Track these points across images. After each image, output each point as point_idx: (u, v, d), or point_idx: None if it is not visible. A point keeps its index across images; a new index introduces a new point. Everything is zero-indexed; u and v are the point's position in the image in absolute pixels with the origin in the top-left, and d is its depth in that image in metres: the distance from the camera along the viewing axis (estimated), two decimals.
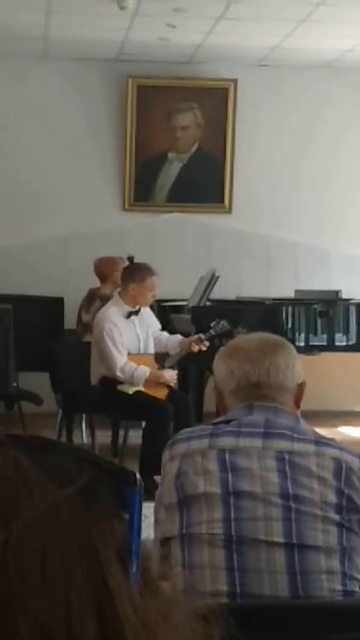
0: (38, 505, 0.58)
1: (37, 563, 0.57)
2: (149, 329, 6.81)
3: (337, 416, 8.80)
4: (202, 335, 6.77)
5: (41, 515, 0.58)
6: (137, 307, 6.72)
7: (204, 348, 6.70)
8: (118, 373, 6.53)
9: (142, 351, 6.70)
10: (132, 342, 6.65)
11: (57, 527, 0.58)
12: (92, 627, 0.57)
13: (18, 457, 0.60)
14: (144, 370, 6.55)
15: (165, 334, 6.96)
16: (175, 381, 6.77)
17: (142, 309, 6.78)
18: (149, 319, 6.87)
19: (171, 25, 8.25)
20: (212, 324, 6.86)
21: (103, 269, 7.82)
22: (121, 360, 6.54)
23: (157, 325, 6.96)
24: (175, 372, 6.82)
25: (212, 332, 6.83)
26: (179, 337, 6.90)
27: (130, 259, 6.98)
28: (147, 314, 6.87)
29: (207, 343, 6.69)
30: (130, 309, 6.68)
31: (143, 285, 6.65)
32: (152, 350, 6.78)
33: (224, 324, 6.86)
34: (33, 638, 0.56)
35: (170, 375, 6.71)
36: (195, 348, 6.72)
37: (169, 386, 6.74)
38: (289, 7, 7.68)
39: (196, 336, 6.76)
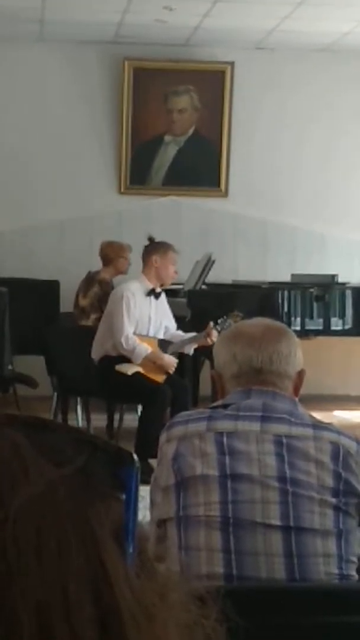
0: (34, 485, 0.58)
1: (34, 543, 0.57)
2: (164, 320, 6.82)
3: (332, 400, 8.81)
4: (214, 325, 6.73)
5: (38, 495, 0.57)
6: (159, 288, 6.73)
7: (213, 339, 6.62)
8: (122, 340, 6.52)
9: (150, 335, 6.71)
10: (142, 320, 6.67)
11: (53, 507, 0.58)
12: (89, 607, 0.57)
13: (14, 436, 0.60)
14: (146, 347, 6.57)
15: (181, 332, 6.96)
16: (173, 369, 6.75)
17: (161, 300, 6.79)
18: (166, 310, 6.88)
19: (168, 8, 8.22)
20: (219, 321, 6.86)
21: (109, 252, 7.82)
22: (129, 330, 6.55)
23: (173, 324, 6.94)
24: (176, 360, 6.80)
25: (219, 328, 6.80)
26: (192, 334, 6.90)
27: (151, 239, 7.01)
28: (165, 306, 6.88)
29: (216, 333, 6.65)
30: (152, 286, 6.70)
31: (166, 257, 6.71)
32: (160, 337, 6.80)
33: (230, 322, 6.84)
34: (31, 619, 0.56)
35: (170, 361, 6.70)
36: (210, 341, 6.64)
37: (167, 372, 6.73)
38: None
39: (209, 328, 6.73)
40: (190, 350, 6.95)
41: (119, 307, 6.58)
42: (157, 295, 6.73)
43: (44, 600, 0.56)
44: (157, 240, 6.95)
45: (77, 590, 0.57)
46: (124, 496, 0.60)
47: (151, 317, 6.72)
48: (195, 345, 6.86)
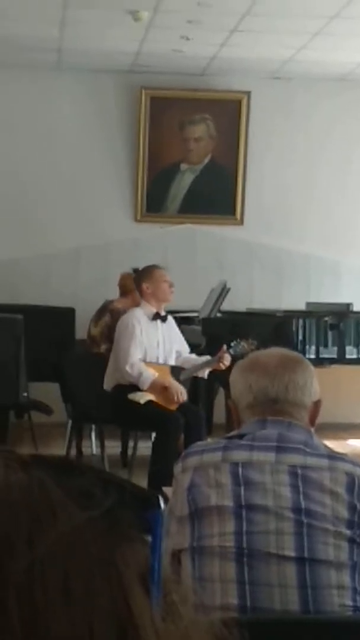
0: (62, 527, 0.58)
1: (61, 585, 0.57)
2: (174, 344, 6.78)
3: (346, 429, 8.78)
4: (224, 347, 6.69)
5: (65, 537, 0.58)
6: (162, 311, 6.72)
7: (226, 364, 6.59)
8: (127, 368, 6.48)
9: (160, 362, 6.68)
10: (151, 346, 6.63)
11: (81, 549, 0.58)
12: None
13: (42, 478, 0.60)
14: (152, 373, 6.52)
15: (194, 355, 6.93)
16: (182, 398, 6.65)
17: (170, 324, 6.77)
18: (175, 336, 6.84)
19: (185, 37, 8.27)
20: (232, 344, 6.83)
21: (128, 283, 7.80)
22: (134, 357, 6.51)
23: (186, 347, 6.91)
24: (182, 388, 6.70)
25: (232, 352, 6.78)
26: (207, 357, 6.87)
27: (136, 269, 7.01)
28: (174, 330, 6.85)
29: (229, 359, 6.62)
30: (155, 309, 6.68)
31: (153, 279, 6.69)
32: (172, 364, 6.76)
33: (243, 345, 6.82)
34: None
35: (177, 387, 6.61)
36: (224, 366, 6.61)
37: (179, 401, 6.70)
38: (302, 20, 7.69)
39: (222, 351, 6.70)
40: (204, 374, 6.92)
41: (124, 335, 6.56)
42: (163, 319, 6.71)
43: None
44: (139, 268, 6.94)
45: (103, 632, 0.57)
46: (150, 538, 0.61)
47: (159, 342, 6.69)
48: (208, 370, 6.83)
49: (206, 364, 6.77)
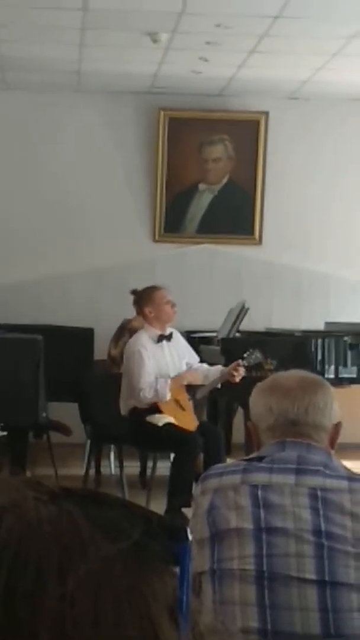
0: (92, 560, 0.58)
1: (91, 617, 0.57)
2: (183, 359, 6.77)
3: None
4: (241, 362, 6.69)
5: (95, 570, 0.58)
6: (167, 331, 6.71)
7: (240, 376, 6.59)
8: (140, 395, 6.48)
9: None
10: (161, 368, 6.62)
11: (110, 582, 0.58)
12: None
13: (72, 511, 0.60)
14: (165, 380, 6.51)
15: (205, 365, 6.92)
16: (199, 381, 6.66)
17: (175, 340, 6.75)
18: (183, 349, 6.83)
19: (203, 59, 8.31)
20: (245, 355, 6.80)
21: None
22: (146, 383, 6.50)
23: (195, 357, 6.91)
24: (199, 373, 6.72)
25: (246, 362, 6.76)
26: (219, 367, 6.86)
27: (134, 291, 6.99)
28: (181, 344, 6.84)
29: (243, 370, 6.62)
30: (159, 332, 6.67)
31: (155, 302, 6.67)
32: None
33: (257, 354, 6.79)
34: None
35: (192, 375, 6.63)
36: (236, 378, 6.61)
37: (199, 418, 6.70)
38: (321, 40, 7.71)
39: (235, 363, 6.70)
40: (217, 385, 6.90)
41: (132, 364, 6.55)
42: (168, 339, 6.71)
43: None
44: (138, 290, 6.92)
45: None
46: (177, 570, 0.61)
47: (168, 363, 6.68)
48: (221, 381, 6.81)
49: (220, 378, 6.75)
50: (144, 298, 6.74)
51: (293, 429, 2.45)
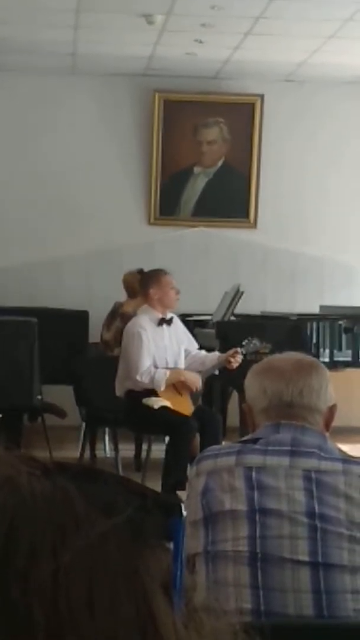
0: (85, 535, 0.58)
1: (85, 593, 0.57)
2: (181, 345, 6.77)
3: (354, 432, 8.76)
4: (239, 349, 6.70)
5: (89, 545, 0.58)
6: (168, 315, 6.71)
7: (237, 363, 6.61)
8: (137, 377, 6.48)
9: (170, 365, 6.66)
10: (159, 352, 6.62)
11: (104, 557, 0.58)
12: None
13: (66, 486, 0.60)
14: (164, 371, 6.52)
15: (203, 352, 6.92)
16: (199, 385, 6.69)
17: (175, 323, 6.76)
18: (182, 335, 6.83)
19: (198, 41, 8.28)
20: (243, 343, 6.82)
21: (136, 285, 7.79)
22: (145, 365, 6.50)
23: (194, 344, 6.91)
24: (199, 376, 6.73)
25: (244, 350, 6.78)
26: (217, 353, 6.86)
27: (140, 271, 7.00)
28: (180, 329, 6.84)
29: (241, 357, 6.63)
30: (160, 315, 6.66)
31: (161, 285, 6.65)
32: (182, 366, 6.74)
33: (256, 342, 6.81)
34: None
35: (193, 377, 6.64)
36: (234, 364, 6.63)
37: (195, 401, 6.70)
38: (316, 23, 7.69)
39: (233, 350, 6.71)
40: (214, 371, 6.91)
41: (132, 346, 6.54)
42: (168, 323, 6.71)
43: None
44: (145, 270, 6.92)
45: (127, 639, 0.57)
46: (171, 546, 0.61)
47: (167, 347, 6.68)
48: (218, 367, 6.83)
49: (217, 364, 6.76)
50: (151, 279, 6.73)
51: (288, 411, 2.45)
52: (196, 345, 6.90)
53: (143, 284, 6.79)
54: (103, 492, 0.61)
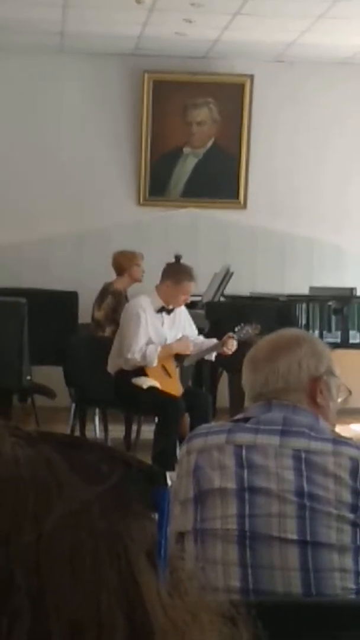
0: (69, 502, 0.58)
1: (68, 560, 0.57)
2: (182, 331, 6.77)
3: (350, 413, 8.77)
4: (232, 334, 6.72)
5: (72, 512, 0.58)
6: (169, 306, 6.70)
7: (232, 349, 6.63)
8: (128, 356, 6.49)
9: None
10: (159, 337, 6.62)
11: (88, 525, 0.58)
12: (121, 625, 0.57)
13: (49, 454, 0.60)
14: (155, 347, 6.53)
15: (201, 337, 6.94)
16: (191, 348, 6.69)
17: (177, 312, 6.76)
18: (183, 322, 6.84)
19: (188, 20, 8.24)
20: (236, 329, 6.85)
21: (122, 261, 7.83)
22: (138, 344, 6.50)
23: (194, 331, 6.92)
24: (190, 342, 6.73)
25: (236, 336, 6.82)
26: (214, 340, 6.87)
27: (178, 257, 6.96)
28: (182, 316, 6.84)
29: (235, 343, 6.65)
30: (162, 304, 6.66)
31: (177, 286, 6.61)
32: None
33: (247, 329, 6.84)
34: (64, 635, 0.56)
35: (181, 345, 6.65)
36: (227, 351, 6.66)
37: (185, 381, 6.73)
38: (306, 3, 7.66)
39: (227, 336, 6.72)
40: (211, 357, 6.93)
41: (129, 325, 6.56)
42: (168, 312, 6.71)
43: (77, 617, 0.56)
44: (181, 260, 6.89)
45: (110, 607, 0.57)
46: (156, 515, 0.61)
47: (163, 333, 6.68)
48: (214, 353, 6.84)
49: (211, 349, 6.79)
50: (174, 274, 6.66)
51: (262, 399, 2.47)
52: (196, 332, 6.92)
53: (167, 272, 6.72)
54: (87, 460, 0.61)
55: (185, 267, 6.80)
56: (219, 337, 6.91)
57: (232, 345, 6.64)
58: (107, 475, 0.60)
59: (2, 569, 0.56)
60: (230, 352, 6.65)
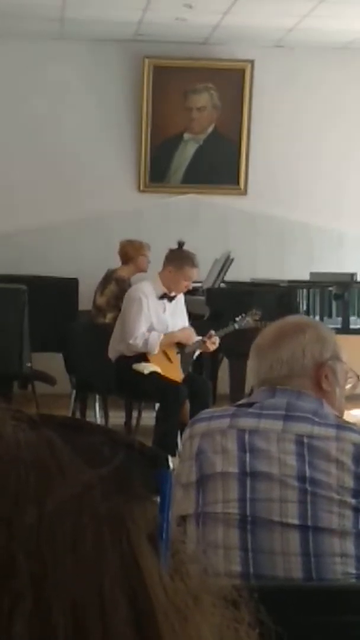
0: (71, 485, 0.58)
1: (69, 543, 0.57)
2: (178, 319, 6.77)
3: (350, 399, 8.78)
4: (212, 332, 6.75)
5: (74, 495, 0.58)
6: (171, 293, 6.70)
7: (214, 346, 6.69)
8: (131, 341, 6.49)
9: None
10: (161, 324, 6.63)
11: (89, 507, 0.58)
12: (123, 607, 0.57)
13: (51, 436, 0.60)
14: (157, 334, 6.54)
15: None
16: (194, 338, 6.71)
17: (178, 299, 6.76)
18: (181, 309, 6.85)
19: (188, 6, 8.22)
20: (237, 319, 6.89)
21: (129, 250, 7.81)
22: (140, 330, 6.51)
23: (185, 320, 6.92)
24: (193, 332, 6.74)
25: (236, 325, 6.86)
26: (199, 338, 6.86)
27: (181, 244, 6.95)
28: (180, 304, 6.85)
29: (217, 339, 6.69)
30: (165, 290, 6.66)
31: (179, 272, 6.60)
32: None
33: (248, 320, 6.87)
34: (66, 618, 0.56)
35: (184, 335, 6.67)
36: (210, 347, 6.71)
37: (187, 368, 6.74)
38: None
39: (208, 334, 6.75)
40: (195, 353, 6.96)
41: (131, 310, 6.56)
42: (170, 299, 6.71)
43: (79, 600, 0.56)
44: (184, 247, 6.88)
45: (112, 590, 0.57)
46: (158, 498, 0.61)
47: (164, 319, 6.69)
48: (197, 351, 6.86)
49: (195, 347, 6.79)
50: (176, 260, 6.65)
51: (266, 385, 2.47)
52: (187, 323, 6.93)
53: (170, 257, 6.71)
54: (89, 442, 0.61)
55: (187, 253, 6.80)
56: (219, 324, 6.92)
57: (214, 340, 6.68)
58: (109, 458, 0.60)
59: (3, 550, 0.56)
60: (212, 349, 6.72)
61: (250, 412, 2.42)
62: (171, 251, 6.82)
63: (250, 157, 9.68)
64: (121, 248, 7.90)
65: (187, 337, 6.69)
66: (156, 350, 6.53)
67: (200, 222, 9.65)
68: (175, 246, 6.92)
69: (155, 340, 6.51)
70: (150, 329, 6.57)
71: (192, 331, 6.74)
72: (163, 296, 6.65)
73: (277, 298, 8.08)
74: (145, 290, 6.61)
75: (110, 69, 9.54)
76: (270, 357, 2.46)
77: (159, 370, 6.55)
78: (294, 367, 2.45)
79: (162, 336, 6.54)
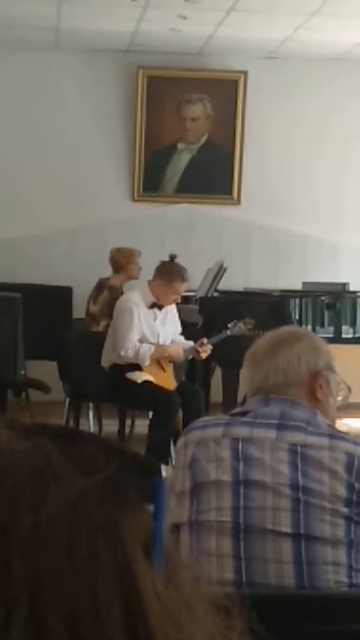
0: (65, 493, 0.59)
1: (64, 550, 0.58)
2: (170, 327, 6.78)
3: (342, 408, 8.79)
4: (204, 340, 6.76)
5: (68, 503, 0.58)
6: (160, 303, 6.70)
7: (205, 353, 6.70)
8: (122, 352, 6.48)
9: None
10: (152, 333, 6.63)
11: (84, 515, 0.59)
12: (117, 614, 0.58)
13: (45, 445, 0.61)
14: (149, 346, 6.53)
15: (182, 338, 6.95)
16: (181, 358, 6.72)
17: (169, 309, 6.76)
18: (173, 320, 6.85)
19: (182, 17, 8.25)
20: (229, 325, 6.89)
21: (120, 258, 7.81)
22: (130, 342, 6.51)
23: (178, 329, 6.92)
24: (181, 350, 6.75)
25: (228, 332, 6.87)
26: (190, 343, 6.87)
27: (172, 257, 6.94)
28: (173, 314, 6.85)
29: (210, 347, 6.70)
30: (154, 300, 6.66)
31: (168, 286, 6.58)
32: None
33: (241, 326, 6.88)
34: (60, 625, 0.56)
35: (175, 351, 6.67)
36: (202, 354, 6.72)
37: (179, 376, 6.75)
38: None
39: (200, 341, 6.76)
40: (185, 359, 6.97)
41: (122, 321, 6.55)
42: (159, 308, 6.71)
43: (74, 607, 0.57)
44: (176, 260, 6.87)
45: (107, 597, 0.58)
46: (152, 507, 0.62)
47: (155, 328, 6.68)
48: (189, 356, 6.88)
49: (188, 352, 6.80)
50: (166, 274, 6.61)
51: (263, 392, 2.49)
52: (179, 330, 6.94)
53: (160, 270, 6.68)
54: (83, 450, 0.62)
55: (178, 267, 6.75)
56: (211, 333, 6.93)
57: (206, 348, 6.69)
58: (103, 466, 0.60)
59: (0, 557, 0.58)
60: (204, 356, 6.73)
61: (244, 420, 2.44)
62: (162, 264, 6.79)
63: (244, 167, 9.71)
64: (112, 257, 7.90)
65: (177, 355, 6.69)
66: (147, 362, 6.53)
67: (194, 231, 9.67)
68: (167, 258, 6.91)
69: (146, 353, 6.51)
70: (142, 338, 6.58)
71: (179, 347, 6.73)
72: (153, 305, 6.66)
73: (269, 307, 8.09)
74: (136, 300, 6.60)
75: (104, 79, 9.56)
76: (266, 365, 2.48)
77: (152, 379, 6.56)
78: (290, 374, 2.47)
79: (153, 349, 6.54)
